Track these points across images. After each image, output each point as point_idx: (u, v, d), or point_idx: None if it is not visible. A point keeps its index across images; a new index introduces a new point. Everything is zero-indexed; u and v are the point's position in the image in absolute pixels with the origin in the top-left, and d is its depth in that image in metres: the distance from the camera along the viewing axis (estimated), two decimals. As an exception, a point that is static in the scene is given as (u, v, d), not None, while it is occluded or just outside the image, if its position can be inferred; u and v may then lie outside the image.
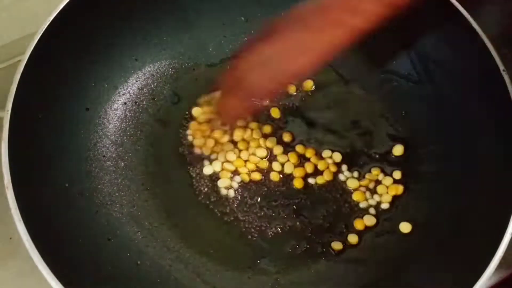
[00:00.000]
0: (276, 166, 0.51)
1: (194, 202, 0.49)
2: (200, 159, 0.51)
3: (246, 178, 0.50)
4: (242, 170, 0.50)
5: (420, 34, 0.53)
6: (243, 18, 0.58)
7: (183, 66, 0.56)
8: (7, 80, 0.42)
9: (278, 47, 0.41)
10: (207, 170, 0.50)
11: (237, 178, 0.50)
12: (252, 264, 0.47)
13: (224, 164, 0.50)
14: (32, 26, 0.47)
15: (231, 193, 0.49)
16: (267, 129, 0.53)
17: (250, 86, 0.43)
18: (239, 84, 0.43)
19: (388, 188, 0.50)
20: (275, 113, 0.53)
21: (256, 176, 0.50)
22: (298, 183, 0.50)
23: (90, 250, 0.43)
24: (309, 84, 0.55)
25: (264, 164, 0.51)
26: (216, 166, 0.50)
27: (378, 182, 0.51)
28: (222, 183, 0.50)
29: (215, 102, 0.50)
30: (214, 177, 0.50)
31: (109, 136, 0.51)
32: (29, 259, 0.36)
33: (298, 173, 0.50)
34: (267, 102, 0.45)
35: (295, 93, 0.55)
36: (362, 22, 0.39)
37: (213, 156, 0.51)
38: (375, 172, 0.51)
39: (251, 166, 0.51)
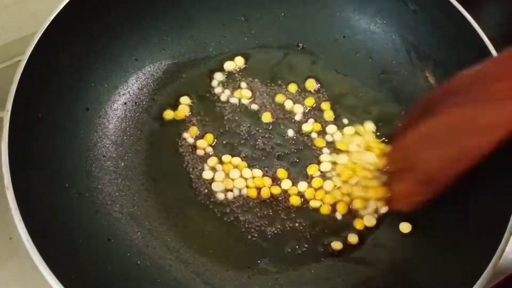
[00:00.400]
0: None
1: (194, 202, 0.49)
2: (200, 160, 0.51)
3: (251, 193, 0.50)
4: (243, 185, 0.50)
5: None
6: (243, 18, 0.58)
7: (183, 66, 0.56)
8: (7, 80, 0.42)
9: (448, 123, 0.38)
10: (207, 174, 0.50)
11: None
12: (252, 264, 0.46)
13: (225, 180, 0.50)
14: (32, 26, 0.47)
15: (230, 195, 0.49)
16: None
17: (424, 166, 0.39)
18: (411, 165, 0.40)
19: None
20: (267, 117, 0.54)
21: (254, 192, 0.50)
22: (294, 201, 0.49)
23: (90, 250, 0.43)
24: (311, 84, 0.55)
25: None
26: (218, 176, 0.50)
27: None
28: (217, 187, 0.50)
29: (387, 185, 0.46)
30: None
31: (109, 136, 0.51)
32: (29, 259, 0.36)
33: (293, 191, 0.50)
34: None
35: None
36: None
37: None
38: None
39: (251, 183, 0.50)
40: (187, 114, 0.53)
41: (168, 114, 0.53)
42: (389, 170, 0.45)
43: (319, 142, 0.52)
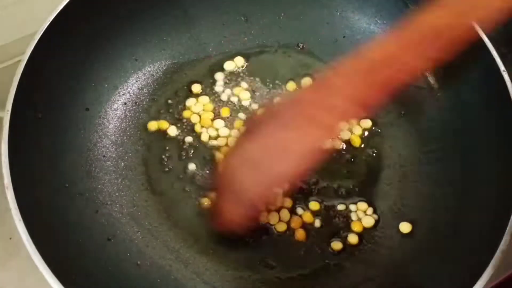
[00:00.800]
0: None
1: (194, 202, 0.49)
2: (200, 159, 0.51)
3: None
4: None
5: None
6: (243, 18, 0.58)
7: (183, 66, 0.56)
8: (7, 80, 0.42)
9: (261, 145, 0.39)
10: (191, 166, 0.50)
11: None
12: (252, 264, 0.46)
13: None
14: (32, 26, 0.47)
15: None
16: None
17: (241, 188, 0.40)
18: (231, 185, 0.41)
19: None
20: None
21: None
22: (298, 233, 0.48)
23: (90, 250, 0.43)
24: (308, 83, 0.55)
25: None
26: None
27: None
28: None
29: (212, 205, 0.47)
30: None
31: (109, 136, 0.51)
32: (29, 259, 0.36)
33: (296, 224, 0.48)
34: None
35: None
36: (337, 120, 0.37)
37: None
38: None
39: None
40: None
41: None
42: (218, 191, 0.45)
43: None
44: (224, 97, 0.55)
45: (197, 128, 0.53)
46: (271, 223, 0.48)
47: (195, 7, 0.56)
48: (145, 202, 0.49)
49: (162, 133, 0.52)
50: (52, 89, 0.46)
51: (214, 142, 0.52)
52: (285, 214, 0.48)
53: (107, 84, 0.52)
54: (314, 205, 0.49)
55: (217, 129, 0.53)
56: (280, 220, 0.48)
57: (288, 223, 0.48)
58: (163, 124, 0.52)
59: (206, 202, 0.49)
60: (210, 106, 0.54)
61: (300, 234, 0.48)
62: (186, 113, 0.53)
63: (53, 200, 0.43)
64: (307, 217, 0.48)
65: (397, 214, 0.49)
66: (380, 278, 0.46)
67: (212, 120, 0.53)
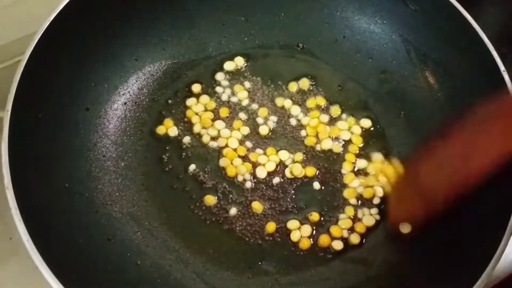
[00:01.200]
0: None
1: (194, 202, 0.49)
2: (200, 159, 0.51)
3: None
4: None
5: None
6: (243, 18, 0.58)
7: (183, 66, 0.56)
8: (7, 80, 0.42)
9: (456, 149, 0.41)
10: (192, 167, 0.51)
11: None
12: (252, 264, 0.46)
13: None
14: (32, 26, 0.47)
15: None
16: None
17: (425, 189, 0.42)
18: (414, 186, 0.43)
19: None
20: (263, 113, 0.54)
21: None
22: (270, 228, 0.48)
23: (90, 250, 0.43)
24: (305, 83, 0.56)
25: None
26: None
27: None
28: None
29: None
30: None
31: (109, 136, 0.51)
32: (29, 259, 0.36)
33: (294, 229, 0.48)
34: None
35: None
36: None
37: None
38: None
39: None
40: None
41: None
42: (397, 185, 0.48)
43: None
44: (224, 97, 0.55)
45: (197, 128, 0.53)
46: (293, 240, 0.48)
47: (195, 7, 0.56)
48: (145, 202, 0.49)
49: (163, 133, 0.52)
50: (52, 89, 0.46)
51: (214, 143, 0.52)
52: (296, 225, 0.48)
53: (107, 84, 0.52)
54: (314, 216, 0.49)
55: (218, 130, 0.53)
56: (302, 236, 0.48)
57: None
58: (169, 123, 0.52)
59: (206, 201, 0.49)
60: (210, 106, 0.54)
61: (304, 244, 0.48)
62: (186, 113, 0.53)
63: (53, 200, 0.43)
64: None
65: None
66: (380, 278, 0.46)
67: (213, 120, 0.53)
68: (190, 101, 0.54)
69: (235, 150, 0.52)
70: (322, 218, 0.49)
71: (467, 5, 0.49)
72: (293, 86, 0.55)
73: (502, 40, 0.50)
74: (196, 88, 0.55)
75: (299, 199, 0.49)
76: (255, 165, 0.51)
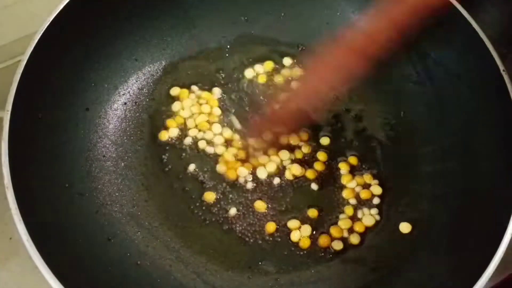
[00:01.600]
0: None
1: (194, 202, 0.49)
2: (200, 159, 0.51)
3: None
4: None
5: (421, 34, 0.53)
6: (243, 18, 0.58)
7: (183, 66, 0.56)
8: (7, 80, 0.42)
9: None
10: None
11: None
12: (252, 264, 0.46)
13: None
14: (32, 26, 0.47)
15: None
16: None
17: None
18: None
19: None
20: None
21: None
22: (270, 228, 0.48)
23: (90, 250, 0.43)
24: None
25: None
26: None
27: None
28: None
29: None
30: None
31: (109, 136, 0.51)
32: (29, 259, 0.36)
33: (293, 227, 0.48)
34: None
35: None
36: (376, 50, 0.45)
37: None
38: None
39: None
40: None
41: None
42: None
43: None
44: (224, 97, 0.55)
45: (196, 128, 0.53)
46: (293, 240, 0.48)
47: (195, 7, 0.56)
48: (145, 202, 0.49)
49: (163, 133, 0.52)
50: (52, 89, 0.46)
51: (213, 144, 0.52)
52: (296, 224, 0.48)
53: (107, 84, 0.52)
54: (312, 212, 0.49)
55: (218, 130, 0.53)
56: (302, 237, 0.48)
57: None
58: (168, 123, 0.52)
59: (206, 198, 0.49)
60: (210, 106, 0.54)
61: (304, 244, 0.48)
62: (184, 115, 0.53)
63: (53, 200, 0.43)
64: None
65: (397, 214, 0.49)
66: (380, 278, 0.46)
67: (210, 121, 0.53)
68: (189, 102, 0.54)
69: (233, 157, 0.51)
70: (322, 218, 0.49)
71: (467, 5, 0.49)
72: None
73: (502, 40, 0.50)
74: (196, 88, 0.55)
75: (299, 199, 0.49)
76: (255, 166, 0.51)
